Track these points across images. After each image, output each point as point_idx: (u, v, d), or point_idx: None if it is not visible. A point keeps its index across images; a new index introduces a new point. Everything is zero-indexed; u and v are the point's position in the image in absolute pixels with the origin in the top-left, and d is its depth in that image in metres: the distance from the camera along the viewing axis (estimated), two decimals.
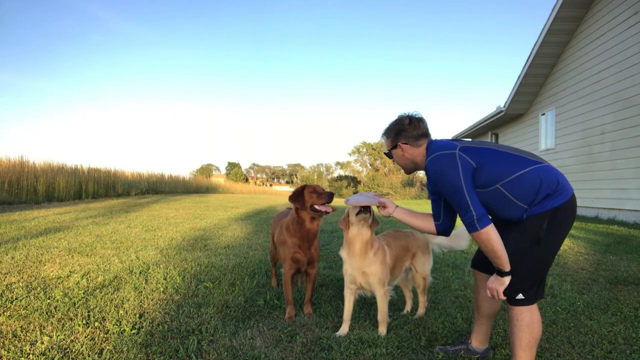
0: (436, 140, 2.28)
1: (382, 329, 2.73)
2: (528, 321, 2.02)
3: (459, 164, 2.01)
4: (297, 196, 3.02)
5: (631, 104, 9.22)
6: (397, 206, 2.46)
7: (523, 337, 2.03)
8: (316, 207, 2.98)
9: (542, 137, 13.31)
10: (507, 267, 1.98)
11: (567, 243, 6.24)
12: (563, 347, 2.59)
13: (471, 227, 1.98)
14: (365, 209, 2.65)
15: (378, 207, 2.47)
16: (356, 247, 2.71)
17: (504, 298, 2.05)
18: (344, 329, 2.75)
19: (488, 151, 2.08)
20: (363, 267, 2.71)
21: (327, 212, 2.98)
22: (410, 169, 2.40)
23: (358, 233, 2.71)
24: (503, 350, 2.53)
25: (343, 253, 2.81)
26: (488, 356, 2.47)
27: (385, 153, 2.47)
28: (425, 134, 2.28)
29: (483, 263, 2.31)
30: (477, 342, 2.45)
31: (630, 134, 9.26)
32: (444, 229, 2.38)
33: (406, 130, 2.27)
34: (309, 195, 2.99)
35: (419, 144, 2.26)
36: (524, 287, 2.01)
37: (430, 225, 2.40)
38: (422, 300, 3.15)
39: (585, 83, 10.88)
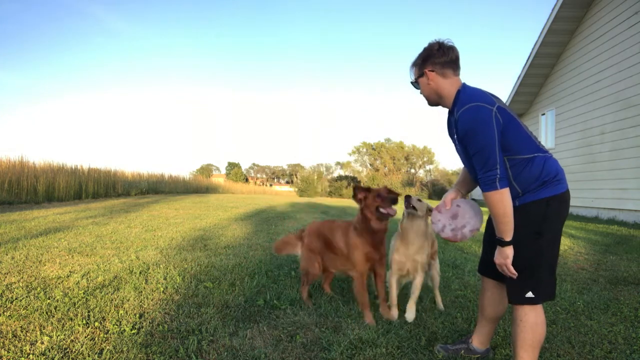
0: (471, 87, 2.14)
1: (410, 315, 2.89)
2: (532, 322, 2.00)
3: (494, 123, 1.94)
4: (359, 196, 3.00)
5: (631, 104, 9.22)
6: (455, 193, 2.38)
7: (527, 337, 2.01)
8: (381, 210, 2.91)
9: (542, 137, 13.32)
10: (508, 236, 1.94)
11: (567, 243, 6.24)
12: (563, 347, 2.59)
13: (491, 186, 1.92)
14: (407, 205, 2.78)
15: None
16: (410, 236, 2.85)
17: (515, 273, 1.98)
18: (394, 313, 2.97)
19: (514, 122, 2.03)
20: (415, 255, 2.87)
21: (390, 215, 2.90)
22: (433, 101, 2.25)
23: (411, 225, 2.84)
24: (503, 351, 2.53)
25: (396, 242, 2.93)
26: (488, 357, 2.47)
27: (411, 82, 2.29)
28: (454, 63, 2.14)
29: (489, 268, 2.25)
30: (478, 342, 2.45)
31: (630, 134, 9.27)
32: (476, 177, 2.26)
33: (434, 55, 2.13)
34: (372, 199, 2.93)
35: (445, 73, 2.13)
36: (534, 284, 1.98)
37: (471, 182, 2.37)
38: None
39: (585, 83, 10.89)
